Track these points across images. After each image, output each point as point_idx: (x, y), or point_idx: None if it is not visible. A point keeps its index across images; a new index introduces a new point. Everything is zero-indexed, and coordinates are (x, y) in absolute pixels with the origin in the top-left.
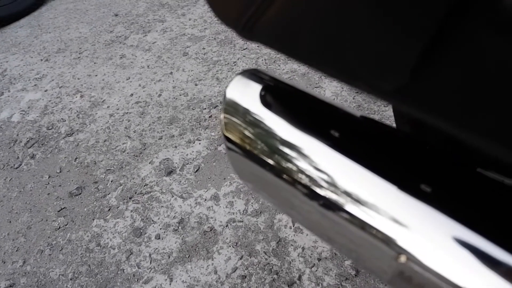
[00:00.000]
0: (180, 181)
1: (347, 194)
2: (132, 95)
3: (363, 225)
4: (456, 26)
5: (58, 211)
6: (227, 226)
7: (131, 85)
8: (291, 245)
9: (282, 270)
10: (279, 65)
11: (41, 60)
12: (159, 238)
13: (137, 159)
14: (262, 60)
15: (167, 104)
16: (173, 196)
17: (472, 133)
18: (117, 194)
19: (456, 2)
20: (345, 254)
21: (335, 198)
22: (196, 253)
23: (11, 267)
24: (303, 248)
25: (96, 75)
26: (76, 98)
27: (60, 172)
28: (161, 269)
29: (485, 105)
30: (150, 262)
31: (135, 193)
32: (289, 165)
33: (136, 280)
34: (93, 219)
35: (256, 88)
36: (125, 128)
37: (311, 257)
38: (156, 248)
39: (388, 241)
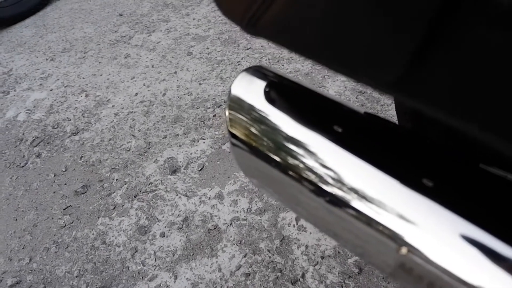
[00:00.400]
0: (185, 180)
1: (351, 189)
2: (136, 94)
3: (366, 219)
4: (451, 19)
5: (64, 209)
6: (231, 224)
7: (136, 84)
8: (295, 243)
9: (285, 268)
10: (283, 65)
11: (47, 59)
12: (164, 236)
13: (142, 158)
14: (266, 60)
15: (172, 103)
16: (177, 195)
17: (470, 123)
18: (122, 192)
19: None
20: (349, 248)
21: (338, 193)
22: (201, 251)
23: (17, 264)
24: (306, 246)
25: (101, 75)
26: (81, 97)
27: (66, 170)
28: (166, 266)
29: (482, 96)
30: (155, 260)
31: (140, 191)
32: (294, 160)
33: (141, 277)
34: (98, 217)
35: (261, 84)
36: (130, 127)
37: (314, 255)
38: (161, 246)
39: (390, 234)
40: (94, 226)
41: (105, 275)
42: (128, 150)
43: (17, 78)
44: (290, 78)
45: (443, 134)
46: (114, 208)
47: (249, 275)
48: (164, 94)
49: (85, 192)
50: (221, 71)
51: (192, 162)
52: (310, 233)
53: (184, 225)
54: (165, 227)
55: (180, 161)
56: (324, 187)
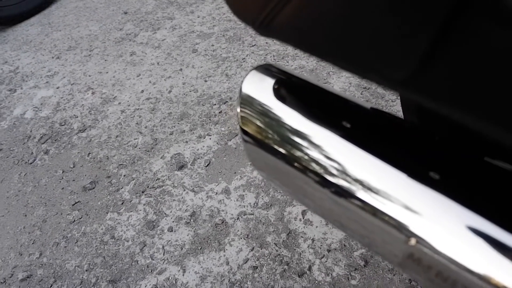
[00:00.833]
0: (192, 175)
1: (358, 182)
2: (142, 91)
3: (374, 211)
4: (460, 19)
5: (73, 205)
6: (238, 218)
7: (142, 81)
8: (301, 237)
9: (292, 261)
10: (288, 61)
11: (52, 57)
12: (172, 231)
13: (149, 154)
14: (271, 57)
15: (178, 100)
16: (184, 190)
17: (478, 120)
18: (130, 188)
19: None
20: (357, 239)
21: (346, 185)
22: (208, 245)
23: (28, 259)
24: (312, 240)
25: (107, 72)
26: (88, 94)
27: (74, 167)
28: (174, 260)
29: (490, 93)
30: (163, 254)
31: (148, 187)
32: (303, 154)
33: (150, 271)
34: (107, 213)
35: (270, 82)
36: (137, 123)
37: (320, 248)
38: (169, 240)
39: (398, 225)
40: (103, 221)
41: (114, 268)
42: (135, 147)
43: (23, 76)
44: (298, 75)
45: (448, 128)
46: (122, 203)
47: (257, 268)
48: (170, 91)
49: (93, 188)
50: (226, 68)
51: (198, 158)
52: (316, 227)
53: (191, 220)
54: (173, 221)
55: (187, 157)
56: (334, 180)
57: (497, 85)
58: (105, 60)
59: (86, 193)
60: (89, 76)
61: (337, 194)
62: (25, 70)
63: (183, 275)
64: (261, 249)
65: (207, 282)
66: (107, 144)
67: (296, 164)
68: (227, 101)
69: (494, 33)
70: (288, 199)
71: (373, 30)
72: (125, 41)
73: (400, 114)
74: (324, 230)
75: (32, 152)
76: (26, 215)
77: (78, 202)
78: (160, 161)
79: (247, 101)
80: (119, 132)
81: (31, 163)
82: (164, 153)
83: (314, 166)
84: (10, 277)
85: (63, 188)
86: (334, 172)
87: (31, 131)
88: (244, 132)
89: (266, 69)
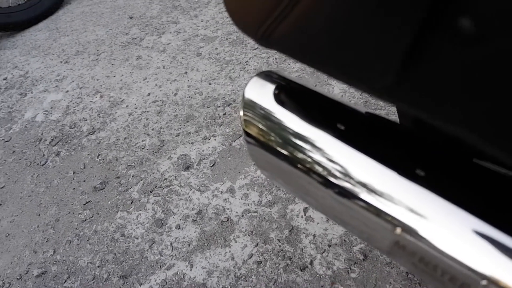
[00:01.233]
0: (198, 175)
1: (353, 180)
2: (149, 94)
3: (367, 205)
4: (427, 38)
5: (84, 205)
6: (242, 216)
7: (148, 85)
8: (303, 233)
9: (295, 256)
10: (289, 64)
11: (61, 62)
12: (179, 228)
13: (156, 155)
14: (273, 59)
15: (183, 102)
16: (191, 189)
17: (452, 126)
18: (139, 188)
19: (426, 18)
20: (355, 233)
21: (342, 183)
22: (214, 242)
23: (42, 256)
24: (314, 236)
25: (114, 76)
26: (96, 98)
27: (84, 168)
28: (182, 256)
29: (457, 104)
30: (172, 250)
31: (155, 187)
32: (302, 155)
33: (159, 266)
34: (117, 212)
35: (271, 87)
36: (144, 126)
37: (321, 243)
38: (177, 237)
39: (387, 217)
40: (113, 220)
41: (125, 264)
42: (143, 148)
43: (33, 81)
44: (298, 81)
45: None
46: (131, 202)
47: (261, 263)
48: (175, 94)
49: (104, 188)
50: (230, 71)
51: (204, 159)
52: (318, 223)
53: (198, 218)
54: (180, 219)
55: (193, 158)
56: (329, 178)
57: (462, 97)
58: (112, 64)
59: (96, 193)
60: (97, 80)
61: (333, 190)
62: (35, 75)
63: (191, 270)
64: (265, 245)
65: (214, 277)
66: (116, 145)
67: (295, 163)
68: (231, 103)
69: (455, 50)
70: (291, 197)
71: (356, 43)
72: (131, 45)
73: (395, 115)
74: (325, 227)
75: (43, 154)
76: (39, 215)
77: (89, 201)
78: (167, 162)
79: (249, 106)
80: (127, 134)
81: (43, 164)
82: (171, 154)
83: (312, 165)
84: (26, 273)
85: (74, 188)
86: (330, 170)
87: (42, 134)
88: (247, 134)
89: (267, 75)
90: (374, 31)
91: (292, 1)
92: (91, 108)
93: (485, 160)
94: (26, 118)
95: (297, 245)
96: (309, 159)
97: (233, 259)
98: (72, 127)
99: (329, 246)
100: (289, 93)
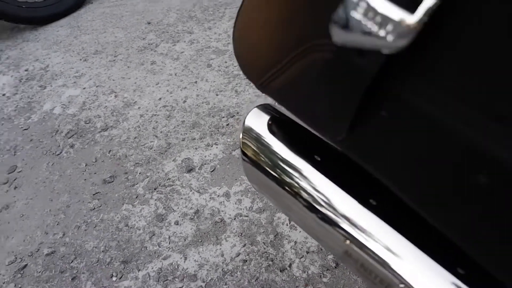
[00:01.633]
0: (198, 178)
1: (320, 201)
2: (160, 99)
3: (329, 220)
4: (370, 108)
5: (93, 195)
6: (234, 219)
7: (160, 90)
8: (286, 239)
9: (276, 258)
10: None
11: (80, 59)
12: (178, 224)
13: (162, 156)
14: None
15: (191, 110)
16: (191, 190)
17: (382, 177)
18: (144, 184)
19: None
20: (316, 239)
21: (312, 203)
22: (207, 239)
23: (52, 237)
24: (295, 242)
25: (129, 78)
26: (111, 97)
27: (96, 161)
28: (178, 249)
29: (385, 159)
30: (169, 243)
31: (159, 185)
32: (284, 177)
33: (156, 256)
34: (123, 204)
35: (266, 118)
36: (153, 128)
37: (301, 250)
38: (175, 232)
39: (341, 230)
40: (119, 211)
41: (126, 252)
42: (151, 148)
43: (53, 75)
44: (288, 114)
45: None
46: (136, 197)
47: (246, 261)
48: (184, 101)
49: (112, 181)
50: (236, 84)
51: (205, 164)
52: (300, 231)
53: (195, 217)
54: (179, 216)
55: (195, 162)
56: (303, 197)
57: (389, 156)
58: (128, 67)
59: (105, 185)
60: (113, 80)
61: (304, 207)
62: (55, 69)
63: (184, 262)
64: (252, 246)
65: (204, 269)
66: (126, 144)
67: (278, 183)
68: (234, 115)
69: (392, 119)
70: (275, 207)
71: (317, 109)
72: (147, 50)
73: None
74: (306, 235)
75: (59, 145)
76: (52, 200)
77: (98, 192)
78: (172, 163)
79: (247, 131)
80: (137, 134)
81: (58, 154)
82: (175, 157)
83: (291, 186)
84: (37, 251)
85: (85, 179)
86: (304, 192)
87: (59, 126)
88: (243, 153)
89: (265, 107)
90: (329, 101)
91: (284, 69)
92: (106, 106)
93: None
94: (44, 110)
95: (279, 249)
96: (289, 181)
97: (222, 255)
98: (87, 122)
99: (307, 252)
100: (280, 125)
